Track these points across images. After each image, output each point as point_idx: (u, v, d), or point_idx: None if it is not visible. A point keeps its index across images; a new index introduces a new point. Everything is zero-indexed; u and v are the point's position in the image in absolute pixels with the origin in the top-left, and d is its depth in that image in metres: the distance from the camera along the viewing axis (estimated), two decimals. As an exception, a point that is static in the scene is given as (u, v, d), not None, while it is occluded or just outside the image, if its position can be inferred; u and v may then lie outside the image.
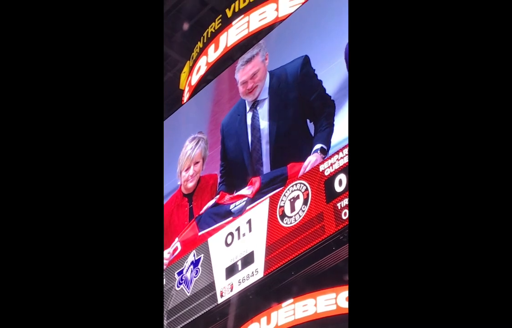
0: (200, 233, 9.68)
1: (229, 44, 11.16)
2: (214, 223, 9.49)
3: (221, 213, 9.46)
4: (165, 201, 10.30)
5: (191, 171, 10.09)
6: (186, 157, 10.21)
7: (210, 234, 9.49)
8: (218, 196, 9.61)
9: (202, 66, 11.72)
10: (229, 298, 9.10)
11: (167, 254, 10.00)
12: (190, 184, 10.07)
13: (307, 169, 8.67)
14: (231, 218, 9.26)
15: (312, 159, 8.70)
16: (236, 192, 9.40)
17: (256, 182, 9.13)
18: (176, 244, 9.93)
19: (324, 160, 8.59)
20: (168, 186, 10.38)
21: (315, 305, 8.44)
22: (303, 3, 9.87)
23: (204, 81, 11.47)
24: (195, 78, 11.80)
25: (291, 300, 8.70)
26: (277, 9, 10.61)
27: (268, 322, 8.82)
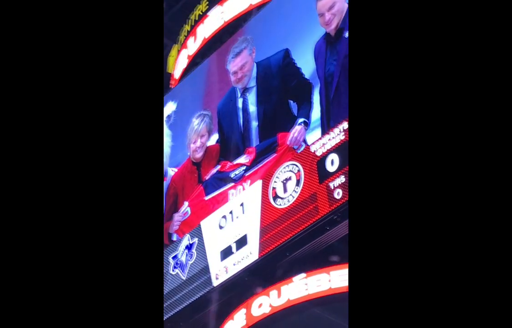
0: (206, 198, 10.73)
1: (207, 36, 12.28)
2: (218, 188, 10.58)
3: (224, 179, 10.57)
4: (176, 169, 11.51)
5: (198, 143, 11.39)
6: (193, 132, 11.53)
7: (215, 198, 10.49)
8: (219, 166, 10.84)
9: (183, 59, 12.67)
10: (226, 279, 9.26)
11: (178, 216, 11.13)
12: (198, 155, 11.33)
13: (295, 135, 9.44)
14: (232, 184, 10.33)
15: (298, 128, 9.52)
16: (234, 161, 10.58)
17: (252, 151, 10.33)
18: (186, 209, 11.07)
19: (316, 141, 9.02)
20: (180, 157, 11.57)
21: (329, 280, 8.34)
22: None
23: (193, 64, 12.40)
24: (178, 72, 12.69)
25: (304, 275, 8.62)
26: (250, -5, 11.69)
27: (279, 295, 8.78)
